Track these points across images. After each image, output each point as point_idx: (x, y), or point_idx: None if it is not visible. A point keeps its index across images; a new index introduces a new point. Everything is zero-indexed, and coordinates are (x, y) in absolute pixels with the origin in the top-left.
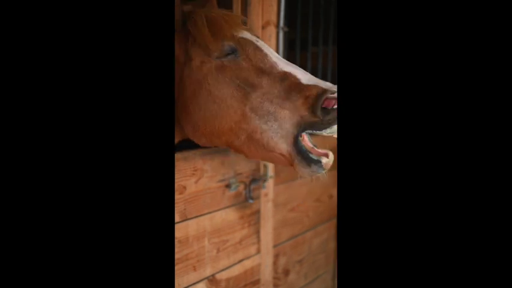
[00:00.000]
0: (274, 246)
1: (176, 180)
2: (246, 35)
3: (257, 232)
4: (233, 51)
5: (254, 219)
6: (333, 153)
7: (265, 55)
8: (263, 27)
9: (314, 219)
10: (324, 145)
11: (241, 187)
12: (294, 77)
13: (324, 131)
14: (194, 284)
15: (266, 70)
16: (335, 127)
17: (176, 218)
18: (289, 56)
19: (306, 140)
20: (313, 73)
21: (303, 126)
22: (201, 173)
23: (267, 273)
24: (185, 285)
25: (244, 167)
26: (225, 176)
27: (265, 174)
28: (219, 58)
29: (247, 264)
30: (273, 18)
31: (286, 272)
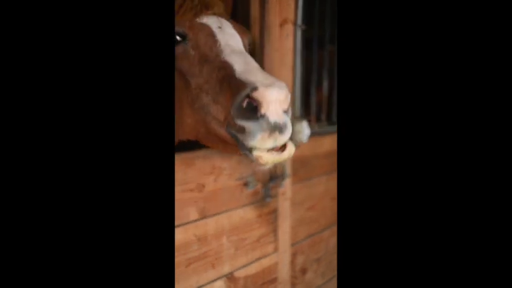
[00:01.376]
0: (292, 244)
1: (195, 179)
2: (210, 19)
3: (275, 231)
4: (183, 38)
5: (272, 217)
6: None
7: (215, 42)
8: (281, 25)
9: (331, 218)
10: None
11: (259, 186)
12: (230, 68)
13: (253, 146)
14: (212, 281)
15: (210, 58)
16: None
17: (195, 216)
18: (307, 55)
19: None
20: (330, 72)
21: (231, 127)
22: (220, 171)
23: (284, 272)
24: (204, 283)
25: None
26: (243, 175)
27: (283, 173)
28: None
29: (265, 262)
30: (291, 16)
31: (304, 271)
